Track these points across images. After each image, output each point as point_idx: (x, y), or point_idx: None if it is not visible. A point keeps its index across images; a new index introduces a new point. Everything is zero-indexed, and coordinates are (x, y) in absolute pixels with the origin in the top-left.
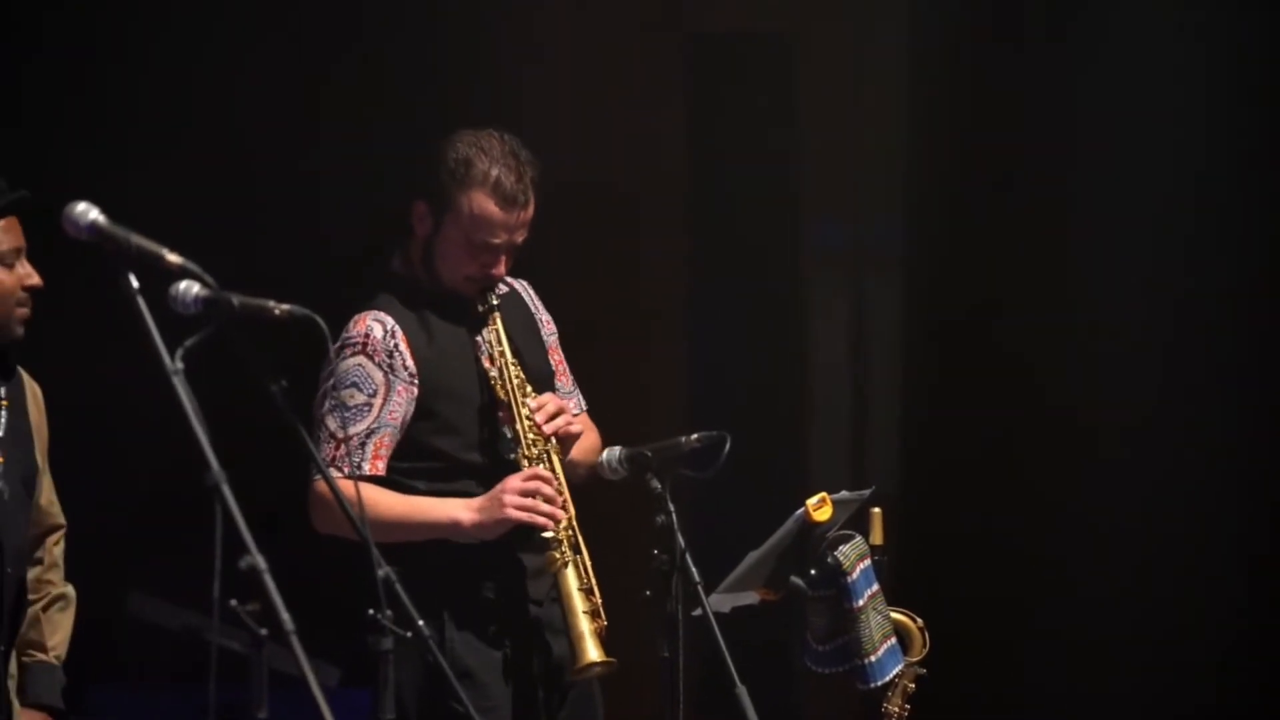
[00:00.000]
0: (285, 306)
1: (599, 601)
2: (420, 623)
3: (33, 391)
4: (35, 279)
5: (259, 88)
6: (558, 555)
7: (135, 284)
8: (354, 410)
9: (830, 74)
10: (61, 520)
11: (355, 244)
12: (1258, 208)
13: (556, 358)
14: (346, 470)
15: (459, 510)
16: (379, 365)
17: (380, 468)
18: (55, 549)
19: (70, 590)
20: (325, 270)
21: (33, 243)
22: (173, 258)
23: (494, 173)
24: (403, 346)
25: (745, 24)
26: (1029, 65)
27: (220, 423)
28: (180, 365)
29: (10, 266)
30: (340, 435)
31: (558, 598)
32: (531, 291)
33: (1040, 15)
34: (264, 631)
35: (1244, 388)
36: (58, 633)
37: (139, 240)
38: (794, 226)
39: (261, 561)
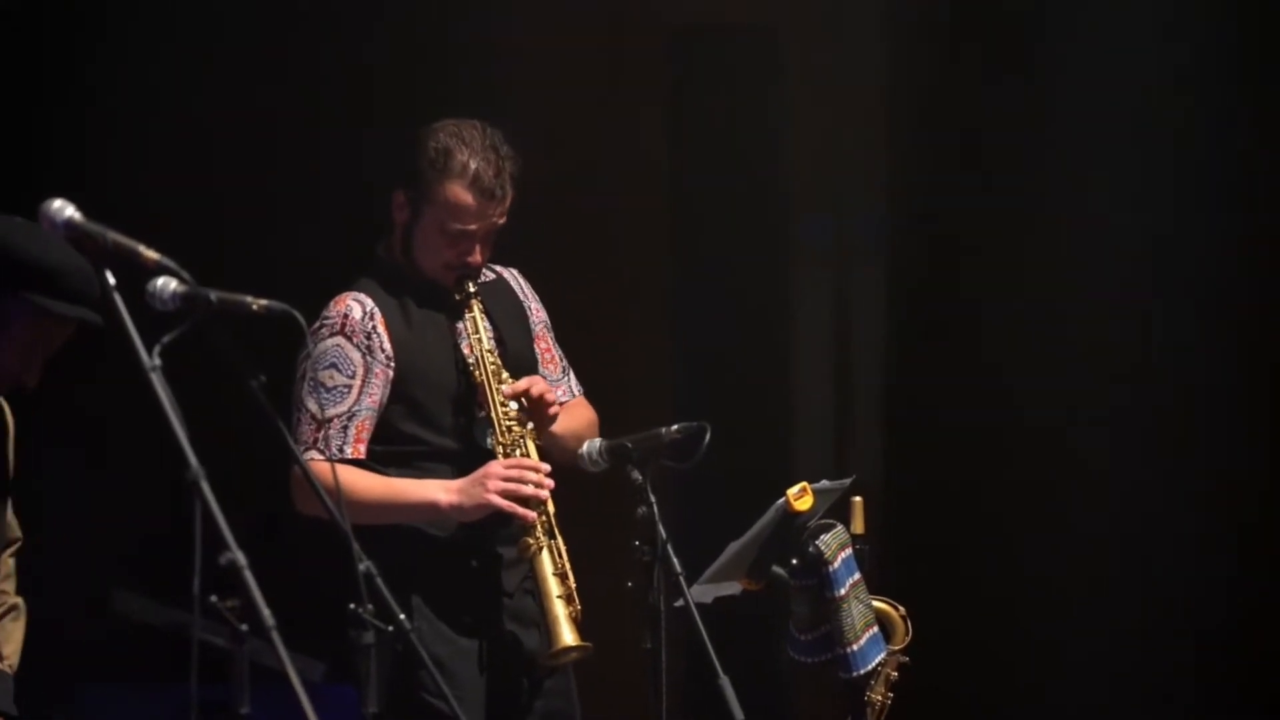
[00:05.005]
0: (263, 302)
1: (574, 586)
2: (401, 616)
3: (2, 406)
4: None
5: (234, 85)
6: (532, 541)
7: (112, 280)
8: (333, 391)
9: (812, 68)
10: (19, 534)
11: (332, 239)
12: (1241, 196)
13: (544, 344)
14: (328, 454)
15: (436, 492)
16: (357, 346)
17: (361, 451)
18: (10, 561)
19: (21, 601)
20: (301, 266)
21: None
22: (149, 254)
23: (473, 165)
24: (380, 329)
25: (727, 17)
26: (1011, 59)
27: (201, 418)
28: (158, 362)
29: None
30: (320, 417)
31: (532, 584)
32: (522, 280)
33: (1020, 8)
34: (245, 627)
35: (1228, 381)
36: (10, 642)
37: (115, 236)
38: (777, 220)
39: (241, 558)
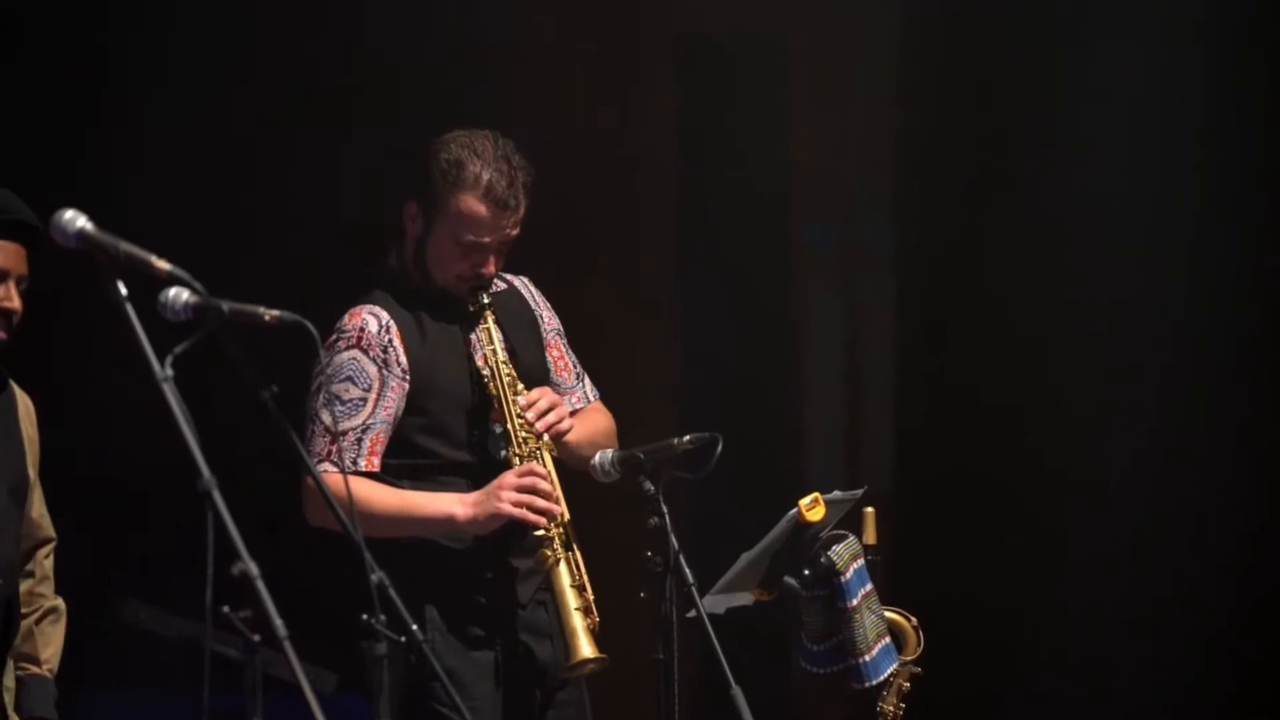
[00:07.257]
0: (275, 312)
1: (591, 598)
2: (414, 627)
3: (24, 404)
4: (12, 303)
5: (248, 94)
6: (549, 552)
7: (124, 291)
8: (348, 405)
9: (820, 74)
10: (52, 533)
11: (344, 249)
12: (1252, 198)
13: (556, 353)
14: (341, 466)
15: (453, 505)
16: (373, 360)
17: (375, 464)
18: (46, 562)
19: (61, 603)
20: (313, 276)
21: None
22: (161, 264)
23: (486, 176)
24: (396, 342)
25: (735, 24)
26: (1018, 66)
27: (214, 427)
28: (170, 372)
29: None
30: (334, 429)
31: (549, 595)
32: (532, 287)
33: (1028, 17)
34: (257, 638)
35: (1244, 380)
36: (50, 645)
37: (127, 247)
38: (785, 227)
39: (254, 568)
